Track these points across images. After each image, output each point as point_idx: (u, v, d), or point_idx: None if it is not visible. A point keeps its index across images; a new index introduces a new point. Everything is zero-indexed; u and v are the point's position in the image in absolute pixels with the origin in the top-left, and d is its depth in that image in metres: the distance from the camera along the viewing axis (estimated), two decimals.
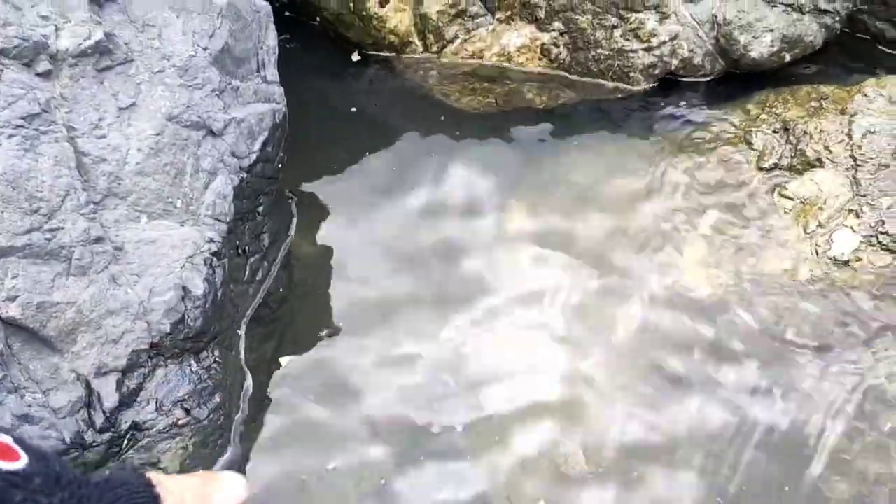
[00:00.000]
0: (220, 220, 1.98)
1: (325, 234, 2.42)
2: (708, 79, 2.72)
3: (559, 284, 2.25)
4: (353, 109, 2.77)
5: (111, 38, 1.86)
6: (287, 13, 3.01)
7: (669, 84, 2.72)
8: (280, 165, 2.31)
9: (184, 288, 1.81)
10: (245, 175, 2.11)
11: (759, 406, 1.95)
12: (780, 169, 2.34)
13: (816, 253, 2.14)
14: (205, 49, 2.00)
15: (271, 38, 2.30)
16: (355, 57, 2.88)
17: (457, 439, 1.95)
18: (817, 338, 2.03)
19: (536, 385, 2.02)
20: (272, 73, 2.28)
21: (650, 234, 2.32)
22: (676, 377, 2.04)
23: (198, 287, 1.84)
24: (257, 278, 2.23)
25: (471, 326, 2.18)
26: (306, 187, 2.54)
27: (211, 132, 2.00)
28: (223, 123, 2.02)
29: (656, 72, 2.70)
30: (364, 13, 2.85)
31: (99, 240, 1.71)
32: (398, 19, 2.84)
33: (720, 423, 1.92)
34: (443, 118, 2.72)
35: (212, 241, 1.93)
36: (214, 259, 1.92)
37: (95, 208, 1.73)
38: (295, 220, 2.44)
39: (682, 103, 2.65)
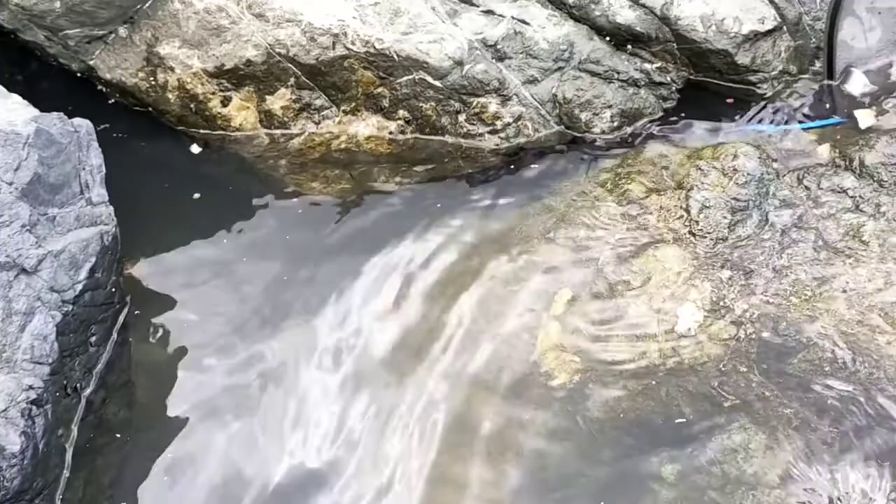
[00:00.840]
0: (40, 363, 1.87)
1: (167, 339, 2.31)
2: (557, 152, 2.74)
3: (419, 371, 2.20)
4: (197, 196, 2.66)
5: None
6: (124, 102, 2.89)
7: (520, 159, 2.72)
8: (114, 289, 2.21)
9: None
10: (70, 308, 2.00)
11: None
12: (627, 245, 2.36)
13: (663, 330, 2.15)
14: (10, 184, 1.90)
15: (94, 157, 2.21)
16: (195, 149, 2.79)
17: None
18: (670, 420, 2.02)
19: None
20: (98, 192, 2.19)
21: (505, 317, 2.29)
22: (539, 468, 2.01)
23: (13, 443, 1.72)
24: (93, 409, 2.10)
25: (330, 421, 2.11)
26: (145, 288, 2.41)
27: (23, 270, 1.89)
28: (37, 259, 1.92)
29: (503, 151, 2.71)
30: (207, 113, 2.78)
31: None
32: (243, 117, 2.78)
33: None
34: (294, 204, 2.66)
35: (30, 388, 1.82)
36: (34, 408, 1.80)
37: None
38: (131, 329, 2.31)
39: (531, 180, 2.65)
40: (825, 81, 2.75)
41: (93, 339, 2.10)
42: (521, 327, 2.25)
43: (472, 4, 2.77)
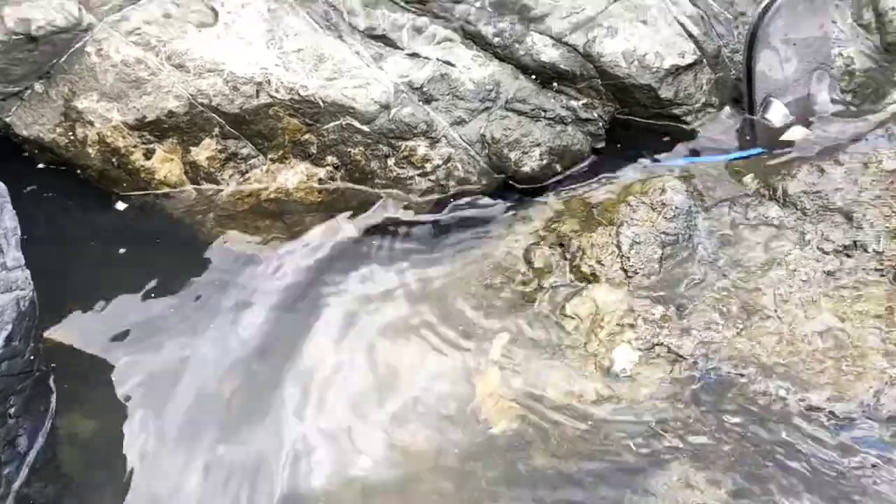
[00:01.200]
0: None
1: (96, 407, 2.22)
2: (490, 194, 2.73)
3: (351, 422, 2.16)
4: (123, 251, 2.59)
5: None
6: (45, 161, 2.80)
7: (452, 203, 2.71)
8: (33, 357, 2.12)
9: None
10: None
11: None
12: (561, 286, 2.36)
13: (600, 372, 2.14)
14: None
15: (9, 220, 2.13)
16: (120, 205, 2.72)
17: None
18: (611, 462, 2.01)
19: None
20: (14, 256, 2.11)
21: (442, 364, 2.26)
22: None
23: None
24: (14, 487, 2.00)
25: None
26: (69, 353, 2.32)
27: None
28: None
29: (435, 195, 2.69)
30: (130, 166, 2.71)
31: None
32: (167, 169, 2.72)
33: None
34: (225, 257, 2.60)
35: None
36: None
37: None
38: (55, 398, 2.21)
39: (465, 223, 2.64)
40: (746, 113, 2.81)
41: (11, 410, 2.00)
42: (460, 374, 2.22)
43: (397, 48, 2.76)
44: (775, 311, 2.21)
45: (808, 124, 2.75)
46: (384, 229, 2.62)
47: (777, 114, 2.75)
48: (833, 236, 2.32)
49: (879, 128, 2.57)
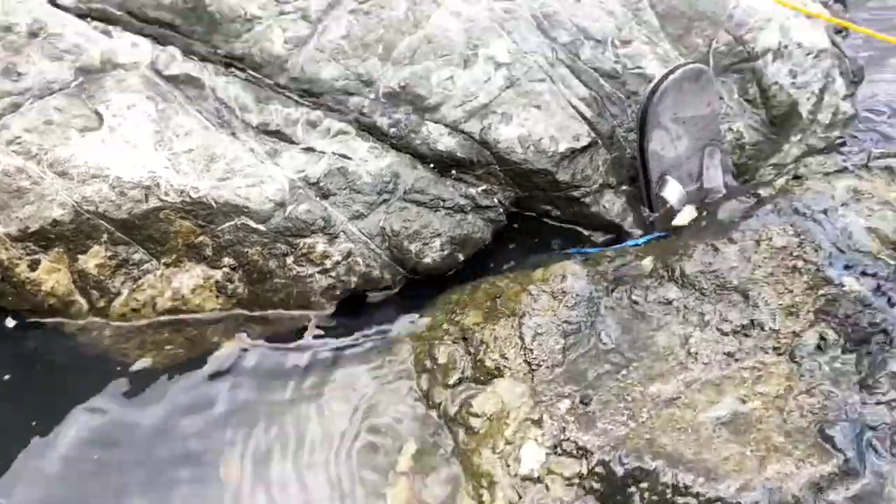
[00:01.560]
0: None
1: None
2: (392, 288, 2.69)
3: None
4: (7, 377, 2.47)
5: None
6: None
7: (357, 301, 2.66)
8: None
9: None
10: None
11: None
12: (466, 383, 2.31)
13: (508, 474, 2.09)
14: None
15: None
16: (10, 323, 2.59)
17: None
18: None
19: None
20: None
21: (350, 476, 2.19)
22: None
23: None
24: None
25: None
26: None
27: None
28: None
29: (337, 292, 2.64)
30: (14, 279, 2.58)
31: None
32: (54, 280, 2.60)
33: None
34: (124, 378, 2.48)
35: None
36: None
37: None
38: None
39: (368, 323, 2.59)
40: (643, 191, 2.84)
41: None
42: (369, 487, 2.15)
43: (292, 142, 2.72)
44: (679, 397, 2.20)
45: (701, 200, 2.80)
46: (286, 335, 2.55)
47: (673, 192, 2.78)
48: (731, 316, 2.34)
49: (769, 202, 2.62)
